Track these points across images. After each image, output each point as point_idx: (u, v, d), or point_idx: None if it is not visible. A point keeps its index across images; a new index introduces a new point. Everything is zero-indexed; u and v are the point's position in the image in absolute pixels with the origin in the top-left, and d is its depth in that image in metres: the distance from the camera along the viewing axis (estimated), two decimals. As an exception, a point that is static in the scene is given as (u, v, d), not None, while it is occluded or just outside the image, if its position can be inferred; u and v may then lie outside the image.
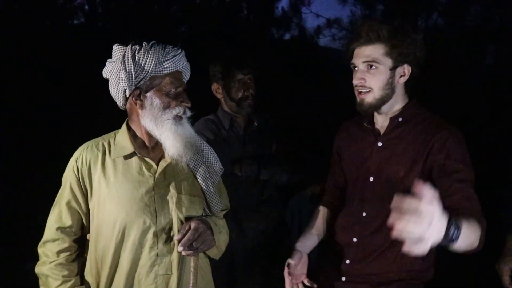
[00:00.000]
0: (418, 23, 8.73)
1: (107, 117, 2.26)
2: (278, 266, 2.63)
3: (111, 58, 1.76)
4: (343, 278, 1.89)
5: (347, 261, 1.89)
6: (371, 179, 1.86)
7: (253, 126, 2.63)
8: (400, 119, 1.85)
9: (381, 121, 1.89)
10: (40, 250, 1.79)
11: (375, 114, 1.91)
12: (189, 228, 1.67)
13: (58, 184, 1.83)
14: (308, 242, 2.02)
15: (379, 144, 1.87)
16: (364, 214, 1.88)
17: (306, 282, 1.96)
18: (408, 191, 1.68)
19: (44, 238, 1.79)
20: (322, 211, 2.10)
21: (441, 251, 1.74)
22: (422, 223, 1.12)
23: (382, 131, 1.89)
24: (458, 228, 1.32)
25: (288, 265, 1.94)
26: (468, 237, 1.41)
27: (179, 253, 1.70)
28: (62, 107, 6.34)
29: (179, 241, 1.67)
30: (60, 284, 1.73)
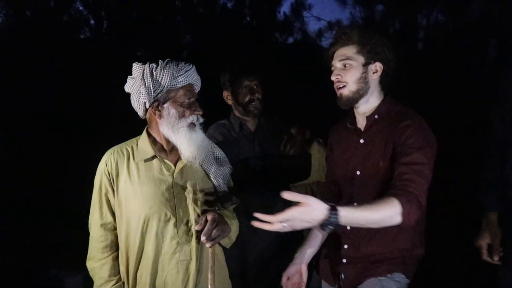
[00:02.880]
0: (419, 21, 8.87)
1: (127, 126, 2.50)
2: (289, 257, 2.85)
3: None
4: (344, 260, 2.11)
5: (345, 246, 2.12)
6: (358, 172, 2.09)
7: (262, 128, 2.86)
8: (376, 117, 2.08)
9: (361, 121, 2.13)
10: (90, 246, 2.07)
11: (356, 115, 2.14)
12: (206, 220, 1.93)
13: (85, 192, 2.10)
14: (309, 250, 2.24)
15: (361, 141, 2.10)
16: (355, 204, 2.07)
17: None
18: (388, 179, 1.95)
19: (91, 235, 2.07)
20: None
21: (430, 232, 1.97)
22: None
23: (362, 129, 2.12)
24: (336, 217, 1.65)
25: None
26: (364, 218, 1.74)
27: (197, 241, 1.97)
28: (77, 115, 6.55)
29: (198, 231, 1.94)
30: (104, 283, 2.02)
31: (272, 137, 2.85)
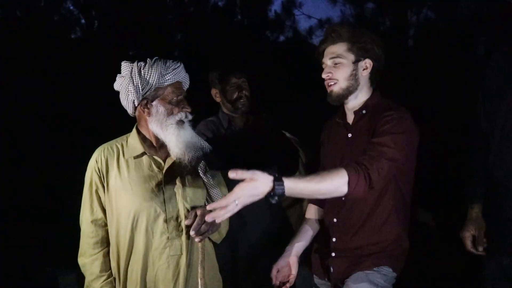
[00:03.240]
0: (409, 19, 8.92)
1: (116, 124, 2.53)
2: (279, 251, 2.89)
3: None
4: (333, 254, 2.15)
5: (334, 239, 2.16)
6: None
7: (250, 125, 2.89)
8: (363, 112, 2.13)
9: (350, 115, 2.18)
10: (81, 242, 2.09)
11: (346, 110, 2.19)
12: (196, 215, 1.97)
13: (79, 189, 2.12)
14: (299, 243, 2.27)
15: (349, 135, 2.15)
16: (343, 198, 2.11)
17: (286, 286, 2.20)
18: None
19: (82, 231, 2.10)
20: (312, 208, 2.36)
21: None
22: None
23: (350, 123, 2.17)
24: (280, 190, 1.67)
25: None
26: (310, 187, 1.77)
27: (187, 236, 2.00)
28: (70, 115, 6.55)
29: (188, 226, 1.97)
30: (94, 279, 2.04)
31: (260, 133, 2.89)
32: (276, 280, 2.19)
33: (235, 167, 2.69)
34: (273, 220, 2.84)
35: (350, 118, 2.17)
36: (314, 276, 2.28)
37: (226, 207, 1.67)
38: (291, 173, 2.93)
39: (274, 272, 2.21)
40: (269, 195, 1.69)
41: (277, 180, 1.68)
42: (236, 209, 1.68)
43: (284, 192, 1.69)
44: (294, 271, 2.22)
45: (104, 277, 2.04)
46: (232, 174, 1.65)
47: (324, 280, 2.21)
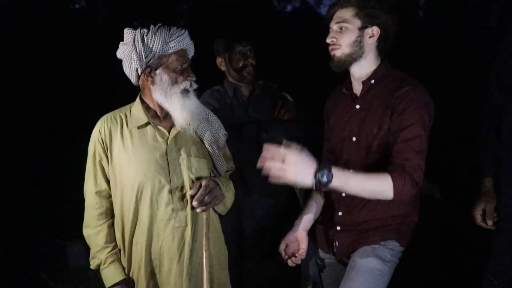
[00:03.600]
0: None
1: (120, 93, 2.49)
2: (285, 223, 2.86)
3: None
4: (338, 228, 2.11)
5: (340, 213, 2.11)
6: (354, 139, 2.07)
7: (256, 94, 2.85)
8: (372, 82, 2.05)
9: (357, 86, 2.09)
10: (85, 214, 2.07)
11: (352, 80, 2.11)
12: (200, 185, 1.94)
13: (84, 161, 2.09)
14: (308, 217, 2.20)
15: (357, 106, 2.07)
16: (351, 171, 2.04)
17: (297, 258, 2.14)
18: (381, 146, 1.95)
19: (86, 202, 2.07)
20: None
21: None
22: (284, 168, 1.68)
23: (358, 95, 2.09)
24: (329, 174, 1.72)
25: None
26: (360, 185, 1.81)
27: (192, 208, 1.97)
28: (73, 86, 6.51)
29: (193, 196, 1.94)
30: (99, 250, 2.03)
31: (266, 102, 2.84)
32: (285, 255, 2.16)
33: (241, 137, 2.70)
34: (279, 192, 2.80)
35: (358, 88, 2.10)
36: (319, 249, 2.24)
37: (273, 158, 1.72)
38: (298, 143, 2.90)
39: (282, 246, 2.17)
40: (317, 180, 1.72)
41: (326, 167, 1.74)
42: (279, 173, 1.71)
43: (332, 179, 1.73)
44: (303, 245, 2.17)
45: (109, 248, 2.02)
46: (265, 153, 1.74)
47: (329, 254, 2.18)
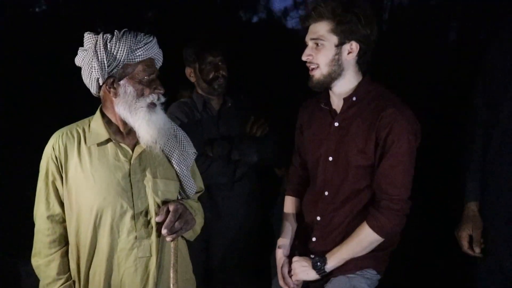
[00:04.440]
0: (384, 2, 8.81)
1: (77, 105, 2.29)
2: (255, 244, 2.72)
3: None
4: (312, 255, 1.96)
5: (314, 239, 1.98)
6: (331, 158, 1.94)
7: (227, 107, 2.69)
8: (354, 99, 1.91)
9: (337, 102, 1.96)
10: (34, 240, 1.83)
11: (331, 94, 1.97)
12: (168, 210, 1.73)
13: (33, 179, 1.87)
14: (287, 245, 2.10)
15: (336, 124, 1.93)
16: (326, 193, 1.96)
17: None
18: (361, 168, 1.83)
19: (36, 228, 1.83)
20: (290, 202, 2.17)
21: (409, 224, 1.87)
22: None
23: (338, 111, 1.95)
24: (323, 262, 1.91)
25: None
26: (353, 253, 1.89)
27: (158, 235, 1.76)
28: (28, 95, 6.20)
29: (160, 223, 1.73)
30: (50, 282, 1.79)
31: (237, 117, 2.69)
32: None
33: (210, 154, 2.52)
34: (248, 213, 2.68)
35: (337, 104, 1.96)
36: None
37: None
38: (270, 161, 2.76)
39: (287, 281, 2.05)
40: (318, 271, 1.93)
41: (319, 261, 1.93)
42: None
43: (327, 265, 1.92)
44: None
45: (62, 281, 1.79)
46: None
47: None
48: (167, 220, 1.72)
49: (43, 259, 1.80)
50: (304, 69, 1.95)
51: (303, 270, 1.95)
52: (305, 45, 1.92)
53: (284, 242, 2.09)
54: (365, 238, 1.86)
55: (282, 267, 2.05)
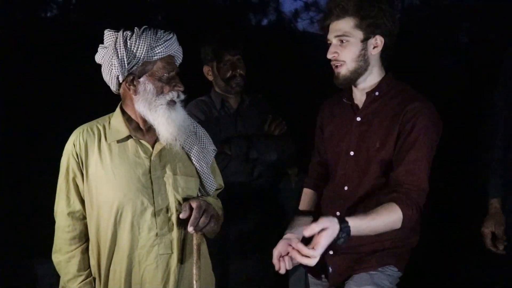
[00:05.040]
0: (394, 3, 8.80)
1: (97, 102, 2.30)
2: (271, 244, 2.71)
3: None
4: (330, 252, 1.93)
5: None
6: (352, 153, 1.92)
7: (245, 106, 2.69)
8: (376, 93, 1.90)
9: (359, 96, 1.95)
10: (55, 237, 1.84)
11: (354, 90, 1.96)
12: (191, 207, 1.73)
13: (54, 175, 1.87)
14: (297, 231, 2.00)
15: (358, 119, 1.92)
16: (346, 188, 1.93)
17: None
18: (383, 162, 1.81)
19: (57, 225, 1.83)
20: (308, 194, 2.15)
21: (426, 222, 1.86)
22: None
23: (360, 106, 1.94)
24: (347, 230, 1.64)
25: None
26: (370, 226, 1.70)
27: (179, 232, 1.77)
28: (50, 95, 6.27)
29: (183, 220, 1.73)
30: (71, 279, 1.79)
31: (255, 115, 2.69)
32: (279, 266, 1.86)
33: (228, 152, 2.52)
34: (265, 212, 2.67)
35: (360, 99, 1.95)
36: (309, 275, 2.07)
37: (310, 257, 1.60)
38: (288, 160, 2.75)
39: (276, 259, 1.86)
40: (338, 237, 1.64)
41: (343, 222, 1.64)
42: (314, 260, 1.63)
43: (350, 232, 1.64)
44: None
45: (82, 277, 1.79)
46: (307, 232, 1.59)
47: (320, 280, 2.01)
48: (192, 217, 1.71)
49: (64, 255, 1.80)
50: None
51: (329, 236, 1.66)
52: (323, 44, 1.92)
53: (290, 236, 1.93)
54: (389, 215, 1.74)
55: (279, 246, 1.86)
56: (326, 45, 1.93)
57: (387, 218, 1.72)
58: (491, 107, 2.19)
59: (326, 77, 2.01)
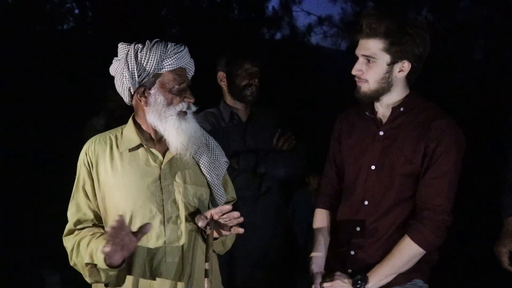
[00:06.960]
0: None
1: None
2: (279, 259, 2.69)
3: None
4: (349, 270, 1.91)
5: (352, 252, 1.92)
6: (373, 167, 1.92)
7: (254, 119, 2.68)
8: (401, 109, 1.91)
9: (383, 111, 1.95)
10: (64, 242, 1.83)
11: (376, 104, 1.96)
12: (206, 217, 1.75)
13: (67, 186, 1.90)
14: (320, 259, 2.02)
15: (381, 133, 1.92)
16: (366, 202, 1.92)
17: None
18: (407, 177, 1.80)
19: (66, 231, 1.83)
20: (322, 215, 2.11)
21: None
22: None
23: (384, 120, 1.94)
24: (364, 280, 1.85)
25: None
26: (392, 268, 1.85)
27: (188, 241, 1.78)
28: (63, 106, 6.35)
29: (191, 230, 1.76)
30: (90, 240, 1.72)
31: (265, 129, 2.68)
32: None
33: (236, 166, 2.52)
34: (273, 227, 2.67)
35: (383, 114, 1.95)
36: None
37: None
38: (297, 175, 2.75)
39: None
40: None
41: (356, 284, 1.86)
42: None
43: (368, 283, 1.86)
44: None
45: (98, 234, 1.75)
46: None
47: None
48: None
49: (75, 237, 1.77)
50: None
51: (343, 286, 1.88)
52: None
53: (317, 256, 2.02)
54: (406, 252, 1.81)
55: (315, 280, 1.96)
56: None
57: (406, 256, 1.83)
58: (508, 125, 2.16)
59: (338, 90, 2.02)
